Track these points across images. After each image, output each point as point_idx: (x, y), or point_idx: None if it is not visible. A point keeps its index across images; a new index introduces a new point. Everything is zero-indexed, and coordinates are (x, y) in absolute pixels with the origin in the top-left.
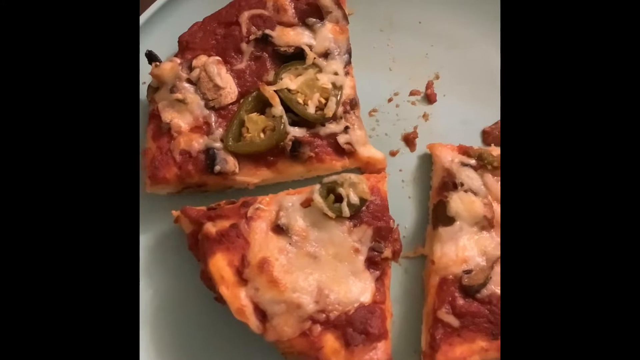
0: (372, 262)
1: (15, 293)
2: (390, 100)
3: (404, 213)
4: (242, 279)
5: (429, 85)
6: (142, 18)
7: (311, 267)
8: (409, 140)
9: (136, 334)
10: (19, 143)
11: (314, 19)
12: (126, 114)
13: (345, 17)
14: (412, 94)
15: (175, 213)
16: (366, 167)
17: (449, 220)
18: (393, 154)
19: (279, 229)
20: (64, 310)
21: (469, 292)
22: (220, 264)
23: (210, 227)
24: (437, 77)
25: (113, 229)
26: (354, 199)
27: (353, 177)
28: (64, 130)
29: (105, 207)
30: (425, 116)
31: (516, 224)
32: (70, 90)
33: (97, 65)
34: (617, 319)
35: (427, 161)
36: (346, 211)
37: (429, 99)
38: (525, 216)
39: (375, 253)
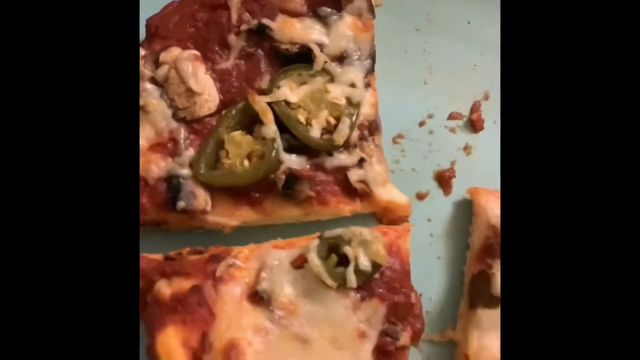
0: (383, 352)
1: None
2: (422, 124)
3: (430, 279)
4: None
5: (475, 108)
6: None
7: (298, 355)
8: (444, 180)
9: None
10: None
11: (329, 9)
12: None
13: (371, 8)
14: (451, 117)
15: None
16: (384, 214)
17: (494, 301)
18: (421, 197)
19: (258, 298)
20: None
21: None
22: (172, 343)
23: (164, 288)
24: (487, 98)
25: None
26: (365, 264)
27: (365, 232)
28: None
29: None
30: (467, 148)
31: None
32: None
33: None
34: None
35: (467, 210)
36: (352, 280)
37: (474, 125)
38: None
39: (389, 339)
